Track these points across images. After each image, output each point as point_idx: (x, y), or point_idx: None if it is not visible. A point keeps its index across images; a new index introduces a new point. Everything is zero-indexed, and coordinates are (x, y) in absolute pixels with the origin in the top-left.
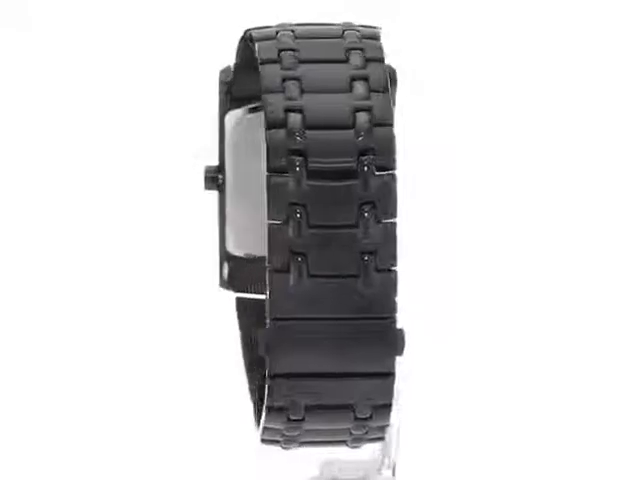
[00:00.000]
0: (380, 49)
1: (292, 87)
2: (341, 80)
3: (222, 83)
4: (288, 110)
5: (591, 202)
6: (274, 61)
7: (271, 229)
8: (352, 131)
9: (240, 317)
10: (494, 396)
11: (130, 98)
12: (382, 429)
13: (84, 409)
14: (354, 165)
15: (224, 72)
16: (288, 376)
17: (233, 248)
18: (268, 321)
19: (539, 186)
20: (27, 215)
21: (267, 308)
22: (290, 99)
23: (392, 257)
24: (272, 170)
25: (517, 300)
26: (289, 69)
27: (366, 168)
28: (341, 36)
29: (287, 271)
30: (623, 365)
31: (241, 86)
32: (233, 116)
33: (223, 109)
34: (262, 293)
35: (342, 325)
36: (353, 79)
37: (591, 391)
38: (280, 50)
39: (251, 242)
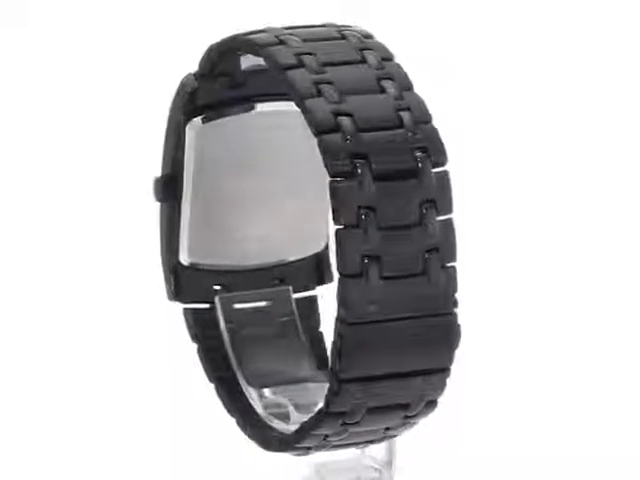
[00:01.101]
0: (385, 47)
1: (330, 91)
2: (370, 81)
3: (185, 92)
4: (336, 114)
5: (591, 200)
6: (297, 66)
7: (341, 235)
8: (403, 130)
9: (198, 328)
10: (493, 397)
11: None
12: (415, 425)
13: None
14: (413, 164)
15: (188, 81)
16: (359, 380)
17: (188, 258)
18: (340, 326)
19: (538, 184)
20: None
21: (340, 313)
22: (335, 102)
23: (452, 253)
24: (335, 175)
25: (517, 300)
26: (318, 73)
27: (425, 166)
28: (342, 37)
29: (360, 275)
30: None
31: (202, 95)
32: (195, 125)
33: (183, 118)
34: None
35: (410, 324)
36: (379, 79)
37: (592, 396)
38: (298, 54)
39: (209, 252)
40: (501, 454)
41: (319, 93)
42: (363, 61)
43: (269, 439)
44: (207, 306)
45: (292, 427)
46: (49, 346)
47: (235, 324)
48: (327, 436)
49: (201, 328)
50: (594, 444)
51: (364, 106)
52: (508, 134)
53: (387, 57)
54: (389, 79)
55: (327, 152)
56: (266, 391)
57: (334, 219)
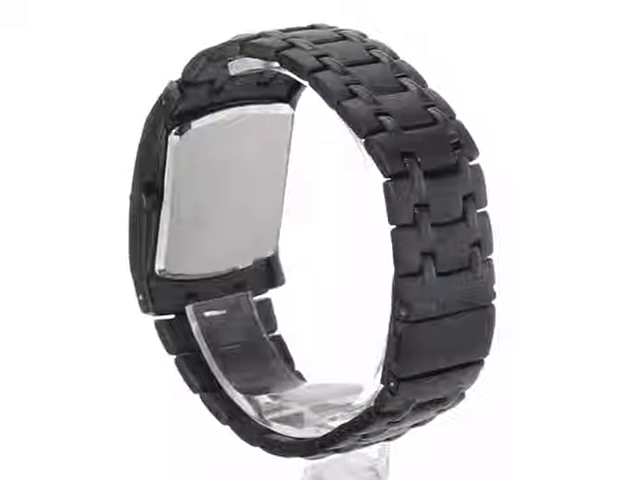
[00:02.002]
0: (387, 45)
1: (364, 91)
2: (391, 79)
3: (169, 101)
4: (377, 114)
5: (591, 197)
6: (322, 68)
7: (397, 235)
8: (437, 126)
9: (174, 339)
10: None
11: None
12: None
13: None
14: (454, 159)
15: (172, 91)
16: (416, 378)
17: (163, 268)
18: (401, 326)
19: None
20: None
21: (401, 313)
22: (372, 103)
23: (491, 246)
24: (390, 175)
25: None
26: (344, 74)
27: (462, 161)
28: (343, 37)
29: (418, 274)
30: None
31: (185, 102)
32: (179, 132)
33: (167, 126)
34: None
35: (459, 319)
36: (398, 77)
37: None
38: (317, 57)
39: (181, 261)
40: (498, 454)
41: (353, 94)
42: (377, 60)
43: (283, 444)
44: (174, 316)
45: (299, 430)
46: (35, 350)
47: (209, 332)
48: (366, 436)
49: (177, 339)
50: (594, 444)
51: (397, 104)
52: (507, 133)
53: (394, 55)
54: (406, 76)
55: (379, 153)
56: (265, 397)
57: (389, 220)
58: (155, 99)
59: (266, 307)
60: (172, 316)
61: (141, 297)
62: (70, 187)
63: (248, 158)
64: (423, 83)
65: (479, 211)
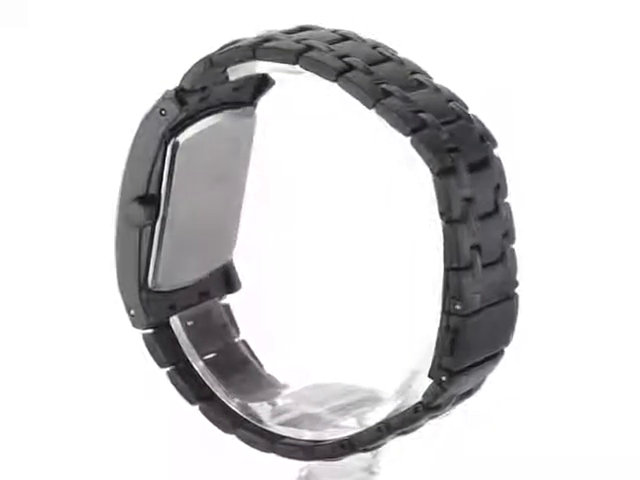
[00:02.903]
0: (383, 43)
1: (396, 90)
2: (408, 77)
3: (168, 112)
4: (416, 111)
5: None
6: (349, 69)
7: (450, 230)
8: (464, 120)
9: (165, 351)
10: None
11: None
12: None
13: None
14: (486, 152)
15: (169, 101)
16: (464, 371)
17: (155, 282)
18: (457, 320)
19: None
20: None
21: (457, 307)
22: (407, 100)
23: (515, 235)
24: (440, 171)
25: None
26: (369, 73)
27: (491, 153)
28: (345, 37)
29: (470, 268)
30: None
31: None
32: (176, 141)
33: (165, 136)
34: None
35: (496, 309)
36: (411, 73)
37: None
38: (340, 57)
39: (172, 273)
40: (496, 454)
41: (388, 93)
42: (388, 58)
43: (302, 448)
44: (160, 328)
45: (316, 432)
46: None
47: (195, 341)
48: (405, 432)
49: (166, 351)
50: (595, 444)
51: (425, 101)
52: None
53: (396, 53)
54: (416, 72)
55: (427, 149)
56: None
57: (443, 216)
58: (148, 107)
59: (230, 312)
60: (156, 328)
61: (133, 312)
62: (68, 187)
63: (220, 164)
64: (431, 78)
65: (504, 201)
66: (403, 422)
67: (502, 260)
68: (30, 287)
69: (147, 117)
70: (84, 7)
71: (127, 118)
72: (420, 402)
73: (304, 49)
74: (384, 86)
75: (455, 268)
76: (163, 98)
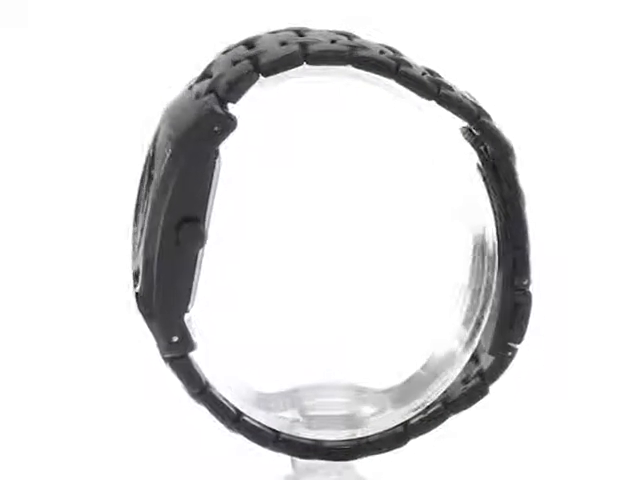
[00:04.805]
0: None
1: (442, 81)
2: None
3: (225, 129)
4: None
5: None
6: (398, 65)
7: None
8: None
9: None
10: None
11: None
12: None
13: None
14: None
15: (227, 117)
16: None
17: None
18: (522, 295)
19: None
20: None
21: (522, 282)
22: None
23: None
24: (509, 151)
25: None
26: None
27: None
28: (343, 34)
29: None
30: None
31: None
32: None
33: (214, 153)
34: None
35: None
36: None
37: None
38: (381, 53)
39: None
40: (493, 454)
41: (438, 83)
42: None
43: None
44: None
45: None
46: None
47: None
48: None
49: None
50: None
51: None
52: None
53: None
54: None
55: (497, 132)
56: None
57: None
58: (194, 123)
59: None
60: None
61: (176, 339)
62: (67, 187)
63: None
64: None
65: None
66: (469, 400)
67: None
68: (30, 287)
69: (193, 132)
70: (84, 7)
71: (127, 118)
72: (480, 381)
73: (353, 47)
74: (431, 77)
75: (523, 247)
76: (217, 114)
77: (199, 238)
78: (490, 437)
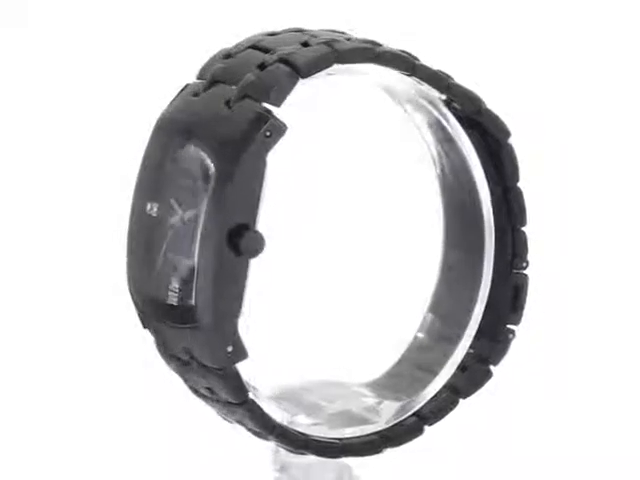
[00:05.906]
0: None
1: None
2: None
3: (276, 134)
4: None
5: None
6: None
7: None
8: None
9: None
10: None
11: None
12: None
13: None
14: None
15: (279, 122)
16: None
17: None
18: (523, 278)
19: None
20: None
21: (522, 264)
22: None
23: None
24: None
25: None
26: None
27: None
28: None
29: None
30: None
31: None
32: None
33: (263, 152)
34: None
35: None
36: None
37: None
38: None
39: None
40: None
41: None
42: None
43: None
44: None
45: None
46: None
47: None
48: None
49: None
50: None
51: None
52: None
53: None
54: None
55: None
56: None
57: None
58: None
59: None
60: None
61: (230, 349)
62: (67, 186)
63: None
64: None
65: None
66: (474, 387)
67: None
68: (30, 287)
69: (246, 139)
70: (84, 7)
71: (127, 118)
72: (486, 367)
73: (372, 45)
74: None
75: (522, 229)
76: (269, 121)
77: (260, 245)
78: (490, 437)
